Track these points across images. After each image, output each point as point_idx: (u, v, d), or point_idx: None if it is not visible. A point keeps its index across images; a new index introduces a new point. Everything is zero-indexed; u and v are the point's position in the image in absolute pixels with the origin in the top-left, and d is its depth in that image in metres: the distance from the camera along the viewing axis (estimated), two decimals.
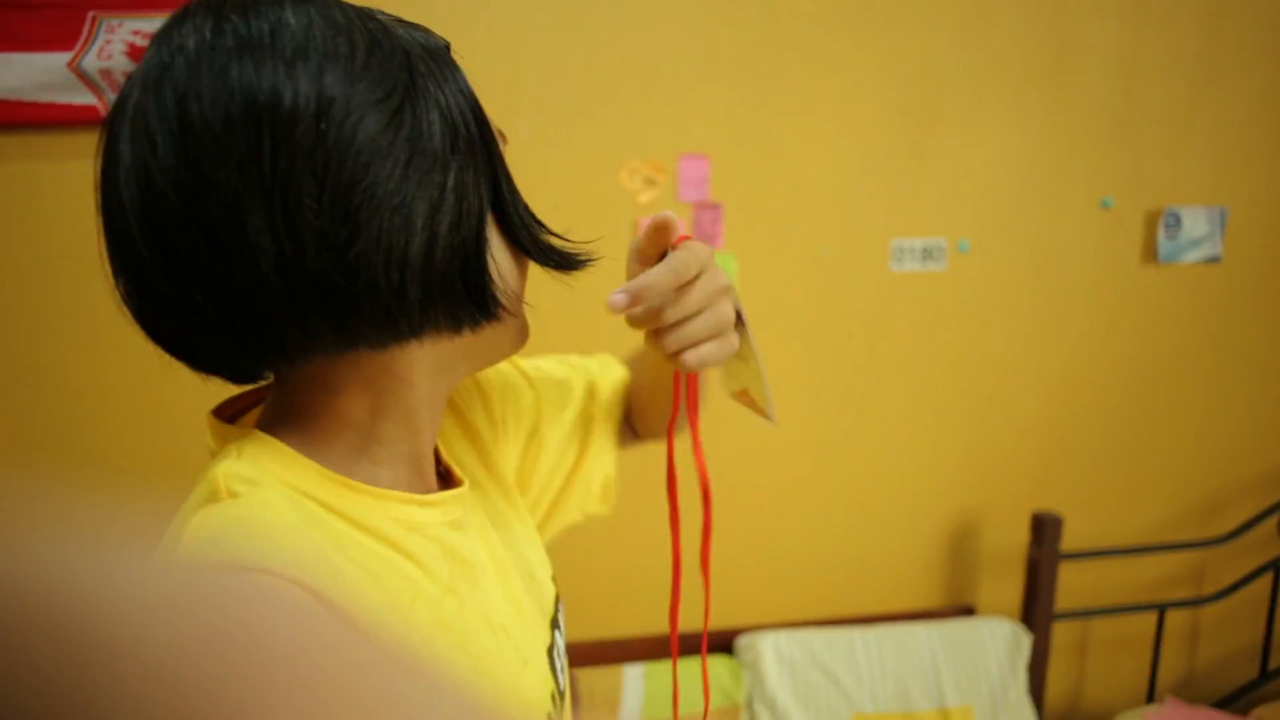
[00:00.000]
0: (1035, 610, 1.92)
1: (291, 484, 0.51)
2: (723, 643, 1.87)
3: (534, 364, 0.79)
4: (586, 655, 1.79)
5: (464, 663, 0.56)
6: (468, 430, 0.71)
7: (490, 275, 0.54)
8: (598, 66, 1.69)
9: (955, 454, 1.97)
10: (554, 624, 0.68)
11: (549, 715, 0.64)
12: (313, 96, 0.47)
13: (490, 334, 0.57)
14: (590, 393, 0.80)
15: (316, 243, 0.47)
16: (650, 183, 1.76)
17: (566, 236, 0.61)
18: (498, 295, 0.55)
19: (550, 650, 0.66)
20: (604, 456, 0.80)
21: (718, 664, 1.81)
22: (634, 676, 1.75)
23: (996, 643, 1.89)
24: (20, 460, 1.59)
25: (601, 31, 1.68)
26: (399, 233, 0.49)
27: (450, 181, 0.51)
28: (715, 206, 1.79)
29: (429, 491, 0.60)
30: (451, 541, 0.58)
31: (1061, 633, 2.02)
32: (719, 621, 1.88)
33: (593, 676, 1.74)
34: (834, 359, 1.88)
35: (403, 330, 0.52)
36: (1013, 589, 1.99)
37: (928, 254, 1.89)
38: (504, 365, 0.75)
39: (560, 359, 0.82)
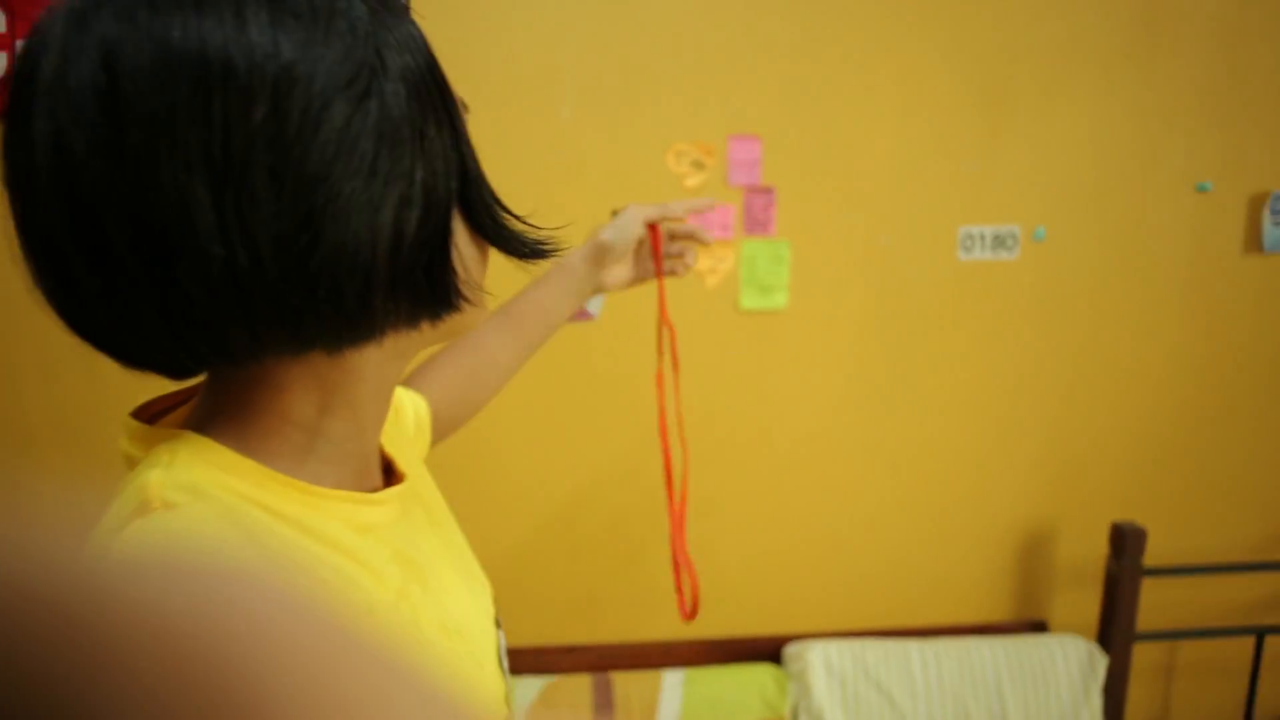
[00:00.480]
0: (1113, 629, 1.77)
1: (234, 490, 0.46)
2: (770, 650, 1.78)
3: None
4: (623, 658, 1.73)
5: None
6: (397, 420, 0.68)
7: (454, 268, 0.49)
8: (642, 42, 1.61)
9: (1028, 457, 1.83)
10: (496, 622, 0.65)
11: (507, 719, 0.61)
12: (270, 73, 0.40)
13: (448, 322, 0.52)
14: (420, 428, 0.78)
15: (273, 248, 0.42)
16: (698, 165, 1.67)
17: (531, 221, 0.56)
18: (461, 288, 0.50)
19: (497, 650, 0.63)
20: None
21: (762, 672, 1.72)
22: (673, 683, 1.68)
23: (1069, 663, 1.75)
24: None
25: (647, 4, 1.60)
26: (365, 234, 0.44)
27: (419, 173, 0.46)
28: (768, 190, 1.69)
29: (376, 488, 0.56)
30: (401, 542, 0.54)
31: (1143, 655, 1.86)
32: (766, 627, 1.79)
33: (629, 681, 1.67)
34: (895, 354, 1.76)
35: (363, 333, 0.48)
36: (1089, 605, 1.84)
37: (999, 242, 1.75)
38: None
39: None
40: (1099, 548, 1.80)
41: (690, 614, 0.99)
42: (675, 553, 0.99)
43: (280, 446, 0.49)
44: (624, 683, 1.67)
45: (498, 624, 0.64)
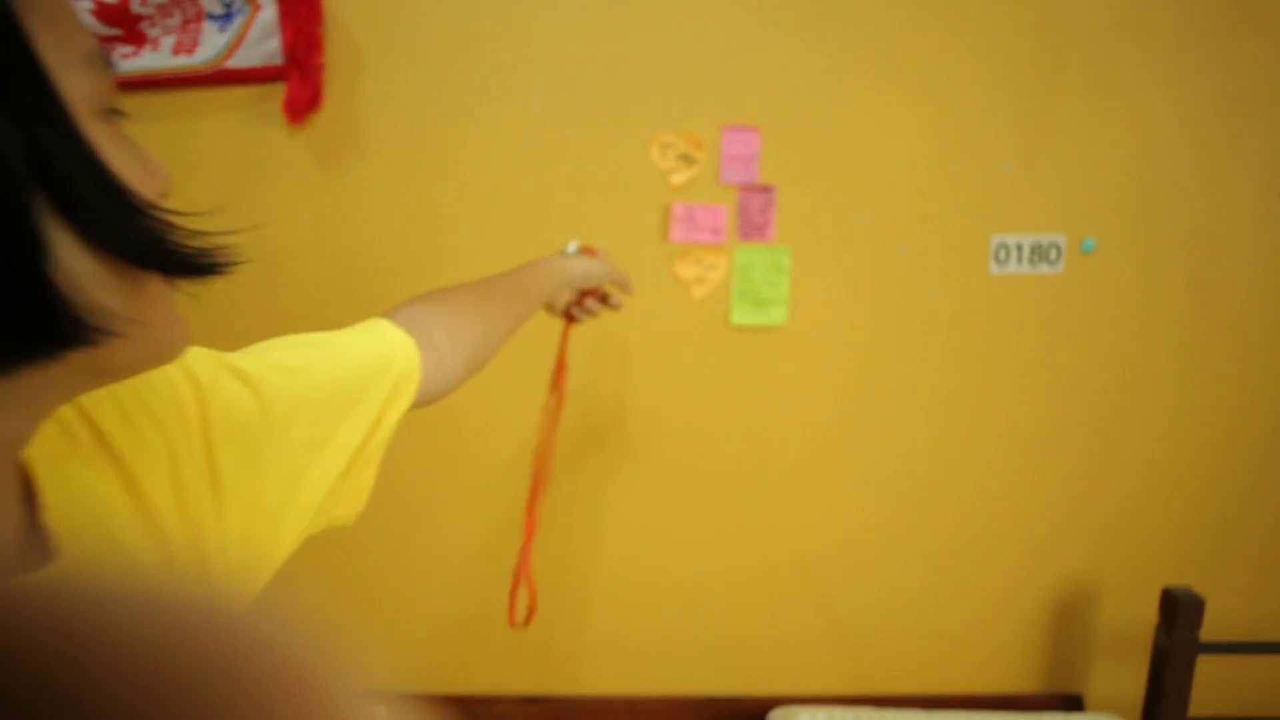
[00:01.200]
0: (1160, 711, 1.51)
1: None
2: (753, 713, 1.58)
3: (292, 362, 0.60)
4: (586, 714, 1.55)
5: None
6: (123, 475, 0.49)
7: (55, 291, 0.36)
8: (624, 18, 1.41)
9: (1068, 505, 1.59)
10: None
11: None
12: None
13: (91, 356, 0.38)
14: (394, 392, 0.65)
15: None
16: (687, 160, 1.46)
17: (185, 222, 0.40)
18: (77, 314, 0.37)
19: None
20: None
21: None
22: None
23: None
24: None
25: None
26: None
27: None
28: (766, 190, 1.47)
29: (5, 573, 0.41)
30: None
31: None
32: (750, 687, 1.59)
33: None
34: (912, 382, 1.53)
35: None
36: (1132, 681, 1.59)
37: (1039, 254, 1.50)
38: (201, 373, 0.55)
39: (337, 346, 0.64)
40: (1147, 615, 1.55)
41: (525, 621, 1.16)
42: (520, 566, 1.14)
43: None
44: None
45: None
